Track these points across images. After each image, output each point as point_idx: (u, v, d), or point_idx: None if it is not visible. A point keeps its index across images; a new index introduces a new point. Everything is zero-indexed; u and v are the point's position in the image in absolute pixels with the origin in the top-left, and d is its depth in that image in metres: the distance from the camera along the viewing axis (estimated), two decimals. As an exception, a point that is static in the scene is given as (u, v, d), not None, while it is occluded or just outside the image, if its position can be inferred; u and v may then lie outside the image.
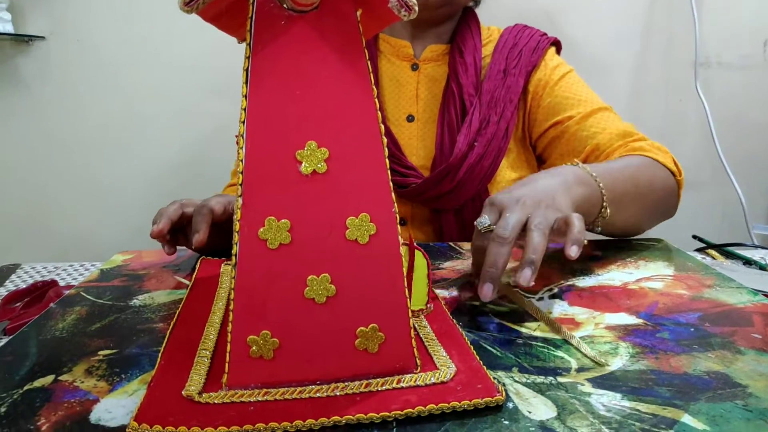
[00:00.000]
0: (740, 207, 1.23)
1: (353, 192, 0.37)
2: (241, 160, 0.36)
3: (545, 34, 0.93)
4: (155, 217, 0.64)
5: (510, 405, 0.37)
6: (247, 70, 0.36)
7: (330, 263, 0.37)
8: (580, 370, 0.42)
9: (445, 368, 0.40)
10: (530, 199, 0.55)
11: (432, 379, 0.39)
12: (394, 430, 0.35)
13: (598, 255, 0.69)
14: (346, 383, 0.38)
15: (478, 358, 0.42)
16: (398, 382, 0.38)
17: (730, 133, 1.33)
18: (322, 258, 0.37)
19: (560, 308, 0.53)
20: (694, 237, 0.89)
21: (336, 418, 0.35)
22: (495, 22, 0.99)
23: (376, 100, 0.38)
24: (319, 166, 0.36)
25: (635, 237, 0.77)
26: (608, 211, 0.64)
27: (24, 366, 0.43)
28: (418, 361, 0.40)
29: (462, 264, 0.66)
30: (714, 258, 0.80)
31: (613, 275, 0.62)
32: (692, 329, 0.49)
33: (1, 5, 1.21)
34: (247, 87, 0.36)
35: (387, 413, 0.35)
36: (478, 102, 0.85)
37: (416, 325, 0.46)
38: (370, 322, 0.38)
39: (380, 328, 0.38)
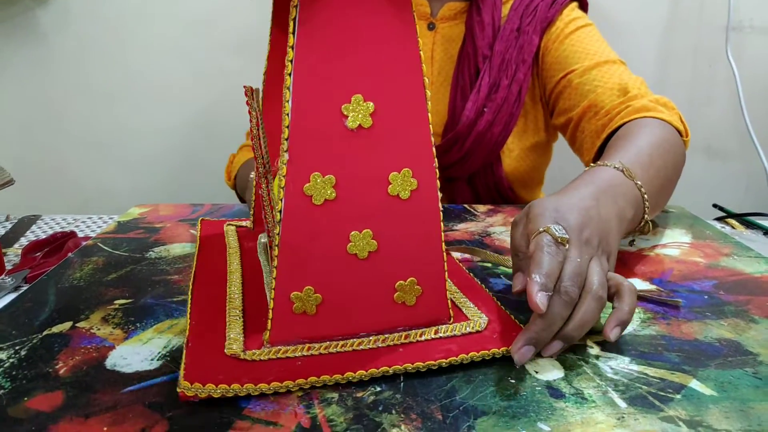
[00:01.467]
0: (765, 179, 1.20)
1: (397, 147, 0.37)
2: (287, 114, 0.35)
3: None
4: None
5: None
6: (294, 19, 0.34)
7: (373, 219, 0.37)
8: (590, 332, 0.42)
9: (477, 318, 0.41)
10: (595, 238, 0.44)
11: (468, 328, 0.40)
12: (401, 384, 0.35)
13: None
14: (386, 335, 0.39)
15: (503, 308, 0.43)
16: (436, 332, 0.39)
17: (761, 102, 1.29)
18: (365, 214, 0.37)
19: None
20: (714, 206, 0.88)
21: (384, 368, 0.36)
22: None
23: (421, 52, 0.37)
24: (364, 120, 0.36)
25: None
26: (649, 225, 0.57)
27: (43, 312, 0.44)
28: (451, 312, 0.41)
29: (475, 226, 0.66)
30: (734, 227, 0.79)
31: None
32: (706, 296, 0.48)
33: (19, -44, 1.20)
34: (294, 37, 0.34)
35: (432, 362, 0.36)
36: (488, 65, 0.82)
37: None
38: (409, 275, 0.38)
39: (418, 281, 0.39)
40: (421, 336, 0.39)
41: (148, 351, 0.39)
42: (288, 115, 0.35)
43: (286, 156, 0.35)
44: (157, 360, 0.38)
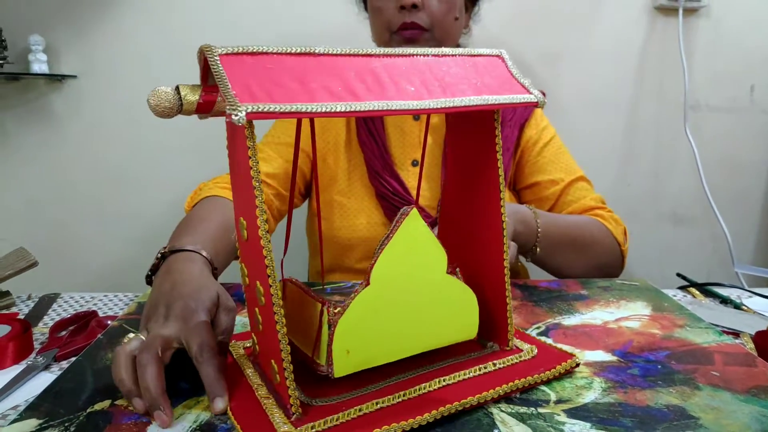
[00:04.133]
0: (726, 243, 1.31)
1: (254, 263, 0.45)
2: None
3: None
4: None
5: (495, 431, 0.45)
6: None
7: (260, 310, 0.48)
8: (557, 402, 0.49)
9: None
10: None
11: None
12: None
13: (584, 294, 0.76)
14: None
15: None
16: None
17: (718, 172, 1.41)
18: (254, 304, 0.51)
19: (546, 345, 0.61)
20: (678, 275, 0.96)
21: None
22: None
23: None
24: (244, 233, 0.46)
25: (618, 278, 0.84)
26: (537, 250, 0.82)
27: (84, 391, 0.51)
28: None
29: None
30: (694, 296, 0.87)
31: (596, 314, 0.69)
32: (659, 366, 0.56)
33: (38, 47, 1.31)
34: None
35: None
36: None
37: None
38: (275, 361, 0.49)
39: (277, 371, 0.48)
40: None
41: (181, 426, 0.46)
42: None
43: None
44: (190, 434, 0.45)
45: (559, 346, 0.57)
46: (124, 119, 1.39)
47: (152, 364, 0.47)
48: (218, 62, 0.40)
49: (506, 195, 0.98)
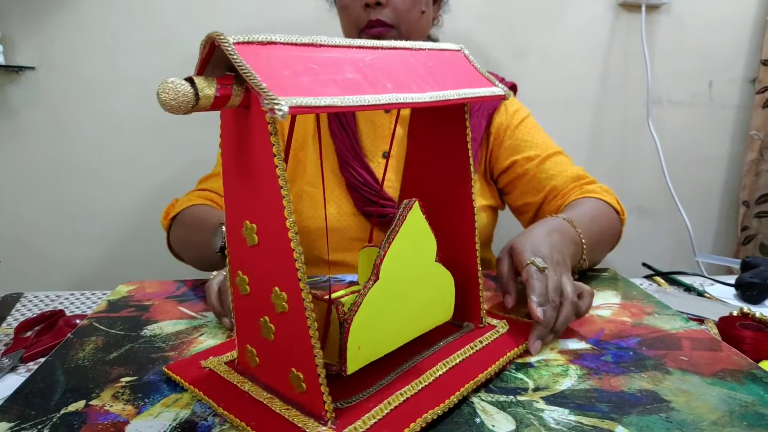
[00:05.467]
0: (688, 235, 1.35)
1: (275, 268, 0.42)
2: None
3: (503, 79, 1.03)
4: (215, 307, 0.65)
5: (477, 420, 0.45)
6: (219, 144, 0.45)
7: (271, 317, 0.44)
8: (535, 389, 0.50)
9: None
10: (561, 260, 0.65)
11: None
12: None
13: (556, 284, 0.78)
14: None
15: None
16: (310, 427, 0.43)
17: (680, 165, 1.45)
18: (265, 311, 0.45)
19: (522, 335, 0.62)
20: (644, 264, 0.99)
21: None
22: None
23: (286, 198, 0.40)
24: (253, 239, 0.43)
25: (587, 268, 0.86)
26: (587, 263, 0.77)
27: (56, 392, 0.49)
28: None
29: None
30: (659, 284, 0.90)
31: (569, 304, 0.71)
32: (631, 353, 0.57)
33: (-7, 38, 1.26)
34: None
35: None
36: None
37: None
38: (297, 369, 0.44)
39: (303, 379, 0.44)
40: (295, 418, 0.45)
41: (160, 424, 0.45)
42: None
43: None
44: (169, 432, 0.44)
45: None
46: (86, 112, 1.35)
47: (212, 295, 0.63)
48: (236, 52, 0.37)
49: (477, 184, 0.99)
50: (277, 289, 0.42)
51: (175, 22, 1.32)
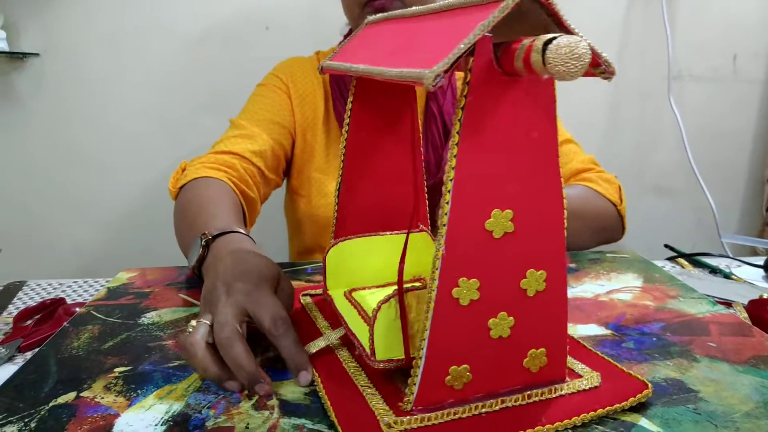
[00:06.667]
0: (712, 215, 1.30)
1: (534, 248, 0.40)
2: (446, 215, 0.37)
3: None
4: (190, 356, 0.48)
5: (489, 412, 0.42)
6: (459, 120, 0.36)
7: (510, 309, 0.40)
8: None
9: (589, 375, 0.45)
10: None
11: (583, 385, 0.44)
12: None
13: (573, 267, 0.74)
14: (517, 396, 0.42)
15: (612, 361, 0.48)
16: (555, 391, 0.43)
17: (702, 142, 1.40)
18: (503, 306, 0.40)
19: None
20: (666, 246, 0.95)
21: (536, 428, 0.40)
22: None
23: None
24: (507, 226, 0.38)
25: (608, 250, 0.82)
26: None
27: (47, 384, 0.47)
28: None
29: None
30: (683, 267, 0.86)
31: (587, 287, 0.67)
32: (654, 339, 0.54)
33: (-4, 24, 1.24)
34: (459, 136, 0.36)
35: (570, 419, 0.40)
36: None
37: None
38: (541, 346, 0.43)
39: (546, 352, 0.43)
40: (541, 395, 0.43)
41: (152, 417, 0.42)
42: (446, 215, 0.36)
43: (438, 262, 0.37)
44: (161, 425, 0.41)
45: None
46: (91, 99, 1.33)
47: (237, 341, 0.45)
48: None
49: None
50: (532, 271, 0.40)
51: (180, 8, 1.29)
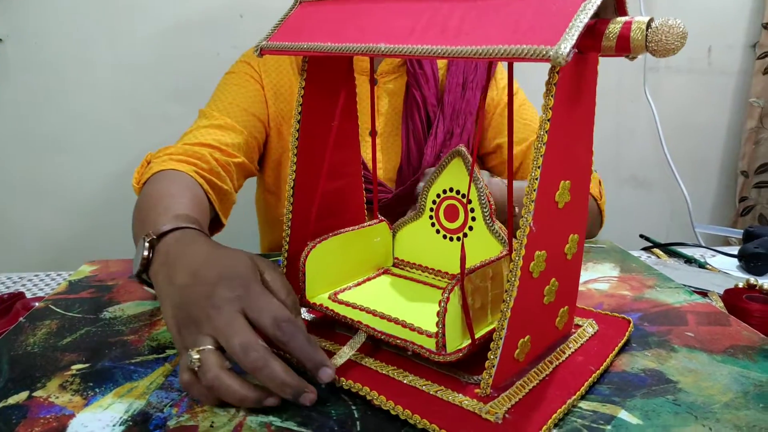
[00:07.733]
0: (686, 206, 1.31)
1: (576, 217, 0.43)
2: (534, 190, 0.36)
3: None
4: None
5: (465, 407, 0.41)
6: (552, 95, 0.36)
7: (556, 273, 0.43)
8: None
9: (586, 322, 0.51)
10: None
11: (591, 331, 0.50)
12: None
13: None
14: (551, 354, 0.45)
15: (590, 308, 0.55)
16: (577, 341, 0.48)
17: (677, 134, 1.40)
18: (554, 272, 0.42)
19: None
20: (641, 236, 0.95)
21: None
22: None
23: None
24: (567, 197, 0.40)
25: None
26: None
27: (-3, 383, 0.44)
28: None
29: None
30: (658, 257, 0.86)
31: (564, 278, 0.66)
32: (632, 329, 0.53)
33: (-46, 7, 1.18)
34: (549, 121, 0.36)
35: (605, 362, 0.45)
36: (441, 114, 0.89)
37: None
38: (566, 305, 0.46)
39: (569, 309, 0.47)
40: (571, 348, 0.47)
41: (110, 417, 0.40)
42: (535, 191, 0.36)
43: (525, 239, 0.37)
44: (120, 425, 0.39)
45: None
46: (56, 85, 1.28)
47: (270, 359, 0.40)
48: None
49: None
50: (573, 236, 0.43)
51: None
